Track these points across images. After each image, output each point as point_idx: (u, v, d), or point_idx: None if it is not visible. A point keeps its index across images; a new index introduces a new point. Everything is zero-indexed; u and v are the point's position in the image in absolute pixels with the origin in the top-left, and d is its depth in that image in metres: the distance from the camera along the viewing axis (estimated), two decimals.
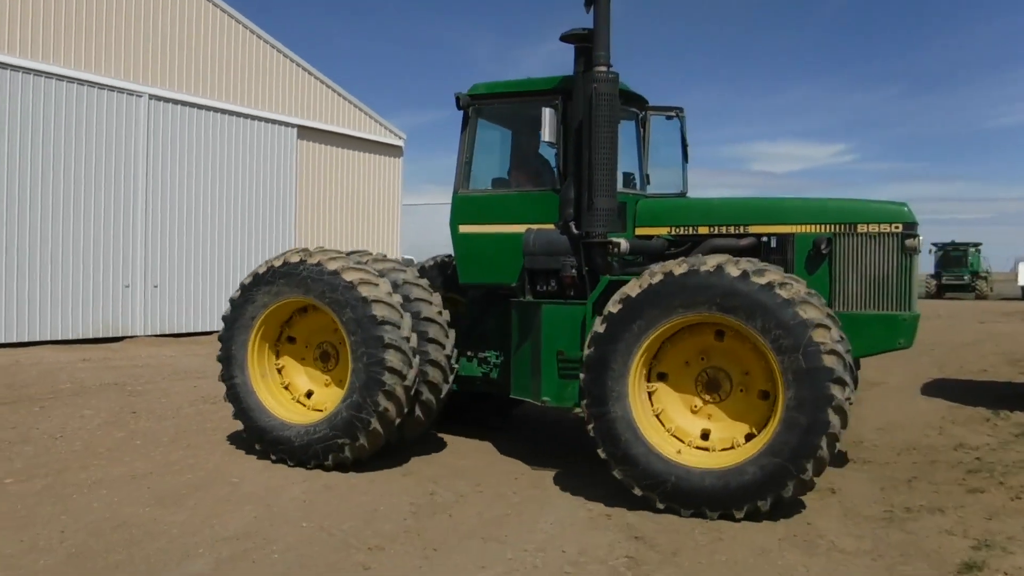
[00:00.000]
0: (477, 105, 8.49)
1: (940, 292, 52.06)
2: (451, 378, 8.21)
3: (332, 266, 7.62)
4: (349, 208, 24.21)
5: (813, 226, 7.38)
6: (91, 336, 17.79)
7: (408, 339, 7.51)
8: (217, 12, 20.32)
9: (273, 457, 7.84)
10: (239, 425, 8.52)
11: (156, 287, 19.02)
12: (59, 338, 17.22)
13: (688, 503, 6.36)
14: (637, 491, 6.51)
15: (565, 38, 7.64)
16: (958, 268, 52.28)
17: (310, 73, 22.66)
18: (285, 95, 21.98)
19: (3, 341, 16.27)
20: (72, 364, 14.10)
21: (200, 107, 19.76)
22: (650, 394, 6.83)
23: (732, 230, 7.73)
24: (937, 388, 13.04)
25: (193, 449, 8.25)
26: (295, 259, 7.85)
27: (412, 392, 7.62)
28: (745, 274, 6.27)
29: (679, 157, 9.11)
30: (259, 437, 7.93)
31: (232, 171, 20.53)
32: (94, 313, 17.88)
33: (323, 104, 23.15)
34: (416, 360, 7.59)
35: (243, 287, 8.12)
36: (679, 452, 6.57)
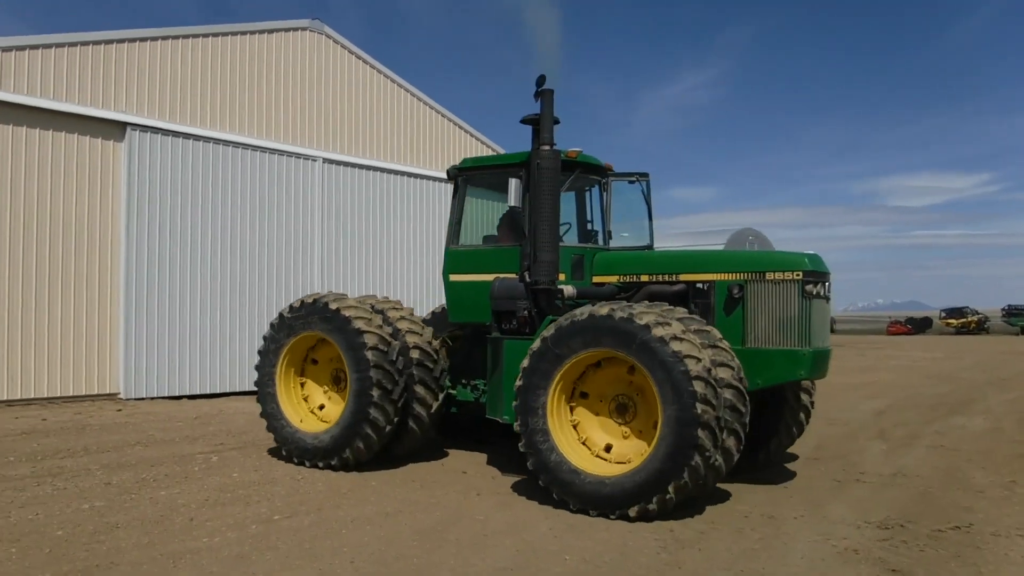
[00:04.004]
0: (465, 176, 10.10)
1: None
2: (441, 395, 9.88)
3: (334, 305, 9.48)
4: None
5: (730, 274, 8.51)
6: None
7: (395, 361, 9.31)
8: (378, 76, 21.62)
9: (295, 460, 9.83)
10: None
11: None
12: (244, 389, 18.44)
13: (595, 506, 7.55)
14: (555, 495, 7.78)
15: (524, 121, 8.89)
16: None
17: (459, 126, 23.69)
18: (438, 150, 23.04)
19: (197, 392, 17.61)
20: None
21: (365, 167, 21.02)
22: (572, 408, 8.06)
23: (666, 278, 9.01)
24: None
25: (429, 489, 8.78)
26: (310, 301, 9.78)
27: (399, 404, 9.35)
28: (629, 317, 7.47)
29: (646, 216, 10.44)
30: (283, 442, 9.98)
31: (395, 225, 21.63)
32: None
33: (472, 155, 24.05)
34: (403, 379, 9.33)
35: (272, 326, 10.20)
36: (589, 464, 7.76)
